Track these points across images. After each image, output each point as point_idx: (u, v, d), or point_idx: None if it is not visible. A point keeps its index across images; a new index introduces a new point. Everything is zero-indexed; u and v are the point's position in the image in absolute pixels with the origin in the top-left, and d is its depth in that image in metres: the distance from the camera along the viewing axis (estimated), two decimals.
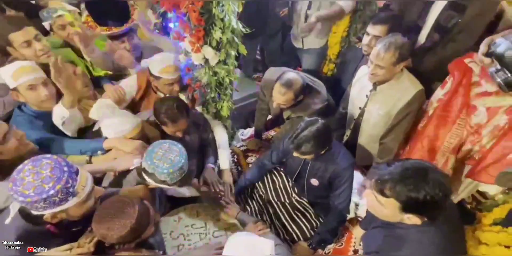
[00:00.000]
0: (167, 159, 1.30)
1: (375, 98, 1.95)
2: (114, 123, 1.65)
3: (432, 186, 0.99)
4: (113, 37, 2.09)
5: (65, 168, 1.04)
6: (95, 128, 1.75)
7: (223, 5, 1.64)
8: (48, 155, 1.06)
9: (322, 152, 1.70)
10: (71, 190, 1.04)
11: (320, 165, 1.80)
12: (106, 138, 1.70)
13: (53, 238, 1.16)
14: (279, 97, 1.94)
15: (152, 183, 1.36)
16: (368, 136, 2.12)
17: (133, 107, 2.11)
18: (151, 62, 1.93)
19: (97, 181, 1.63)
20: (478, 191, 2.17)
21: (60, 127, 1.70)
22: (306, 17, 2.62)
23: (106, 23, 2.01)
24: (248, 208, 2.05)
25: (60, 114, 1.64)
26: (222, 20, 1.68)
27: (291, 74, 1.97)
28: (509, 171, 1.39)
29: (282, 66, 3.10)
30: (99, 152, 1.70)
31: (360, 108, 2.07)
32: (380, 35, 1.99)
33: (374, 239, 1.28)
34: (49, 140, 1.67)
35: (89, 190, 1.11)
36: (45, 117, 1.72)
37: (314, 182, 1.88)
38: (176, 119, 1.71)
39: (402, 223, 1.12)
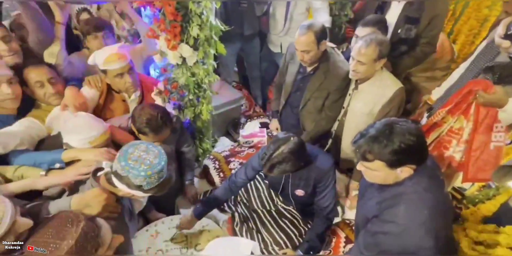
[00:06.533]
0: (144, 160, 1.08)
1: (358, 97, 1.93)
2: (78, 127, 1.42)
3: (402, 134, 1.09)
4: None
5: None
6: (54, 132, 1.53)
7: (199, 2, 1.58)
8: None
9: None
10: None
11: (301, 175, 1.72)
12: (65, 149, 1.46)
13: None
14: (299, 41, 1.84)
15: (124, 189, 1.12)
16: (351, 137, 2.05)
17: (98, 113, 1.87)
18: (95, 57, 1.73)
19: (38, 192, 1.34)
20: (453, 188, 2.14)
21: None
22: (285, 21, 2.62)
23: None
24: (236, 215, 1.93)
25: None
26: (199, 16, 1.61)
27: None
28: (508, 164, 1.34)
29: (262, 73, 3.10)
30: (57, 165, 1.45)
31: (343, 107, 2.03)
32: None
33: (368, 209, 1.31)
34: None
35: (6, 227, 0.89)
36: (1, 121, 1.52)
37: (299, 192, 1.80)
38: (159, 130, 1.58)
39: (397, 182, 1.20)
